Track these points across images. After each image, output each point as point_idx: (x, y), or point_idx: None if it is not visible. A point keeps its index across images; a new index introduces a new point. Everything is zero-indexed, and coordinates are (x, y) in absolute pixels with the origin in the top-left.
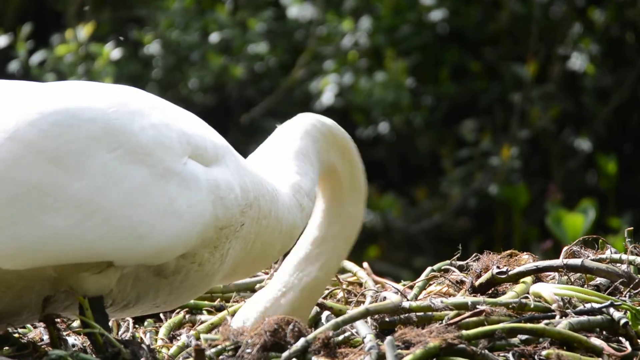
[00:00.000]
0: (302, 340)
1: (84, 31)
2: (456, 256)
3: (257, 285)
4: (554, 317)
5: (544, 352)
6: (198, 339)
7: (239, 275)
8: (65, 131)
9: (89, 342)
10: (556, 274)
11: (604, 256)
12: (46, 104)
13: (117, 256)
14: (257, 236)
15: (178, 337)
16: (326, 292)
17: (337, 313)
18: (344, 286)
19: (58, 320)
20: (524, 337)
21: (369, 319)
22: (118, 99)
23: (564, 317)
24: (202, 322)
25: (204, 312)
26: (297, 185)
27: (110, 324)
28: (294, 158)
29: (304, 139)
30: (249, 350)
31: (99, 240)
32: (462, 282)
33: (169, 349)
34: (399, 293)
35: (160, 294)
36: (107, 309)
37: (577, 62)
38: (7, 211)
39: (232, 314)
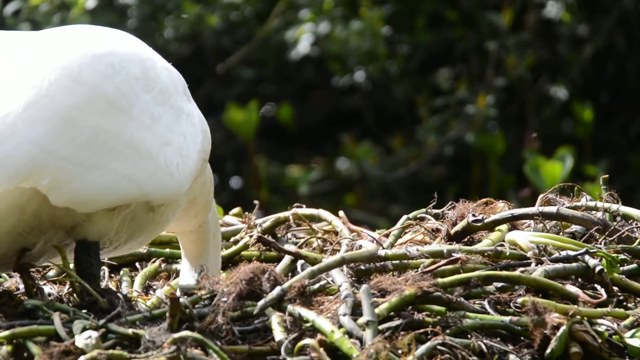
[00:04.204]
0: (277, 289)
1: None
2: (432, 204)
3: (232, 238)
4: (529, 264)
5: (519, 300)
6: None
7: (192, 213)
8: (118, 71)
9: (65, 292)
10: (532, 221)
11: (579, 204)
12: (93, 46)
13: (156, 195)
14: (203, 186)
15: (154, 287)
16: (301, 240)
17: (313, 262)
18: (320, 235)
19: (32, 270)
20: (499, 284)
21: (344, 267)
22: (134, 40)
23: (539, 265)
24: (177, 272)
25: (180, 261)
26: None
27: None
28: None
29: None
30: (224, 299)
31: (148, 180)
32: (437, 230)
33: (145, 301)
34: (375, 241)
35: (145, 231)
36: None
37: (553, 10)
38: (81, 156)
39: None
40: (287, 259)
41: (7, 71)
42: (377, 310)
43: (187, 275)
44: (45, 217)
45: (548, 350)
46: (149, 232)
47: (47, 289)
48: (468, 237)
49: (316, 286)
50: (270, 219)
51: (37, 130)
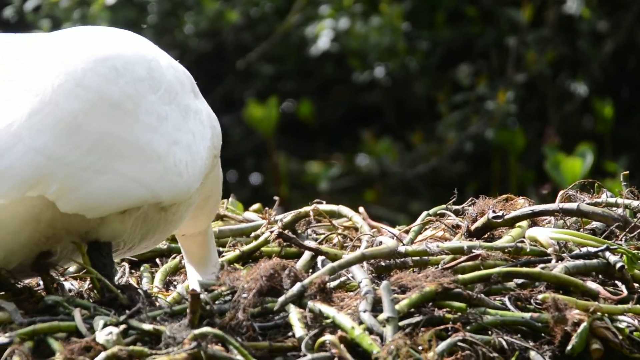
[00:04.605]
0: (298, 285)
1: None
2: (452, 200)
3: (253, 233)
4: (549, 261)
5: (540, 296)
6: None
7: (198, 221)
8: (121, 74)
9: (85, 287)
10: (552, 218)
11: (600, 200)
12: (95, 50)
13: (166, 196)
14: (216, 182)
15: (174, 283)
16: (322, 236)
17: (333, 258)
18: (340, 231)
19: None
20: (520, 281)
21: (364, 263)
22: (139, 39)
23: (560, 261)
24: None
25: None
26: None
27: None
28: None
29: None
30: (245, 295)
31: (157, 182)
32: (458, 227)
33: (165, 297)
34: (395, 237)
35: (157, 231)
36: (114, 253)
37: (573, 6)
38: (88, 161)
39: (228, 262)
40: (307, 255)
41: (8, 76)
42: (397, 307)
43: (194, 279)
44: (60, 226)
45: (569, 347)
46: (163, 232)
47: (68, 285)
48: (488, 233)
49: (336, 282)
50: (290, 215)
51: (43, 138)
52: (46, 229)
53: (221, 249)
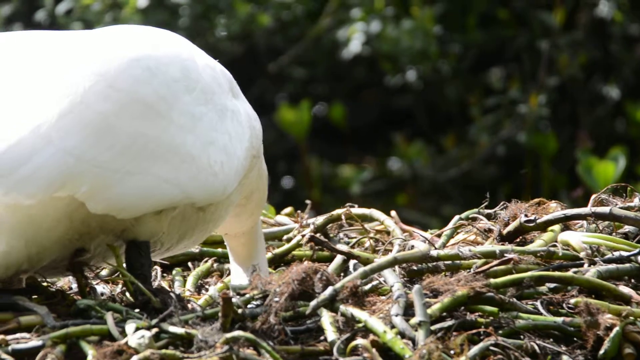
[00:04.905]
0: (330, 289)
1: None
2: (484, 204)
3: (285, 237)
4: (582, 265)
5: (572, 300)
6: (227, 289)
7: (240, 220)
8: (155, 74)
9: (118, 291)
10: (584, 222)
11: (632, 204)
12: (129, 50)
13: (199, 197)
14: (258, 181)
15: (206, 286)
16: (353, 240)
17: (365, 262)
18: (372, 235)
19: (86, 269)
20: (552, 285)
21: (396, 267)
22: (175, 38)
23: (592, 265)
24: (230, 271)
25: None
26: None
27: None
28: None
29: None
30: (277, 299)
31: (191, 182)
32: (490, 231)
33: (197, 301)
34: (427, 241)
35: (196, 230)
36: (152, 253)
37: (605, 9)
38: (120, 162)
39: None
40: (339, 258)
41: (40, 75)
42: (429, 311)
43: (240, 278)
44: (94, 224)
45: (601, 352)
46: (201, 232)
47: (100, 288)
48: (520, 237)
49: (368, 286)
50: (322, 219)
51: (72, 139)
52: (79, 227)
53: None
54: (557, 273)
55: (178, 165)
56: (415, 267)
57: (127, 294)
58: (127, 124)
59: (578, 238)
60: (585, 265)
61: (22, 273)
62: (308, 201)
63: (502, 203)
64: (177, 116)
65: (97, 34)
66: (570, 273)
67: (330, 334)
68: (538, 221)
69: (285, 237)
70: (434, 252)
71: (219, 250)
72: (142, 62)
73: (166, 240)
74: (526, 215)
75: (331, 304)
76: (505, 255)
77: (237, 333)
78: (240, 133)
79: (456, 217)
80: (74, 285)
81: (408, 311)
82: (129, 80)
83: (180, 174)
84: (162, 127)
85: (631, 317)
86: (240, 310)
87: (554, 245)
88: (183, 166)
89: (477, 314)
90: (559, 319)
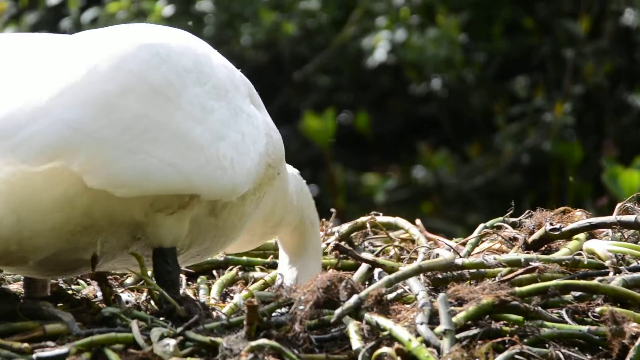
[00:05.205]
0: (355, 297)
1: None
2: (509, 213)
3: None
4: (607, 273)
5: (597, 309)
6: (251, 297)
7: (254, 238)
8: (164, 60)
9: (143, 299)
10: (609, 230)
11: None
12: (140, 37)
13: (205, 189)
14: (279, 199)
15: (231, 294)
16: (378, 248)
17: (390, 270)
18: (397, 243)
19: (109, 277)
20: (577, 293)
21: (421, 275)
22: (190, 36)
23: (617, 274)
24: (255, 280)
25: (257, 269)
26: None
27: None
28: None
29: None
30: (301, 307)
31: (195, 172)
32: (514, 239)
33: (222, 309)
34: (452, 250)
35: (208, 236)
36: None
37: (630, 17)
38: (121, 139)
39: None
40: (364, 267)
41: (49, 54)
42: (454, 319)
43: (285, 269)
44: (99, 215)
45: None
46: (213, 239)
47: (125, 296)
48: (545, 245)
49: (393, 294)
50: (347, 227)
51: (72, 113)
52: (82, 217)
53: (277, 261)
54: (582, 281)
55: (184, 152)
56: (440, 276)
57: (152, 302)
58: (132, 104)
59: (603, 246)
60: (611, 274)
61: (10, 257)
62: (333, 209)
63: (527, 211)
64: (186, 104)
65: (115, 28)
66: (595, 281)
67: (355, 342)
68: (563, 229)
69: None
70: (458, 261)
71: (244, 258)
72: (151, 48)
73: (178, 246)
74: (551, 224)
75: (356, 312)
76: (530, 263)
77: (262, 341)
78: (255, 135)
79: (481, 226)
80: (99, 294)
81: (433, 319)
82: (136, 62)
83: (185, 161)
84: (168, 112)
85: None
86: (265, 318)
87: (579, 254)
88: (189, 154)
89: (502, 322)
90: (584, 328)
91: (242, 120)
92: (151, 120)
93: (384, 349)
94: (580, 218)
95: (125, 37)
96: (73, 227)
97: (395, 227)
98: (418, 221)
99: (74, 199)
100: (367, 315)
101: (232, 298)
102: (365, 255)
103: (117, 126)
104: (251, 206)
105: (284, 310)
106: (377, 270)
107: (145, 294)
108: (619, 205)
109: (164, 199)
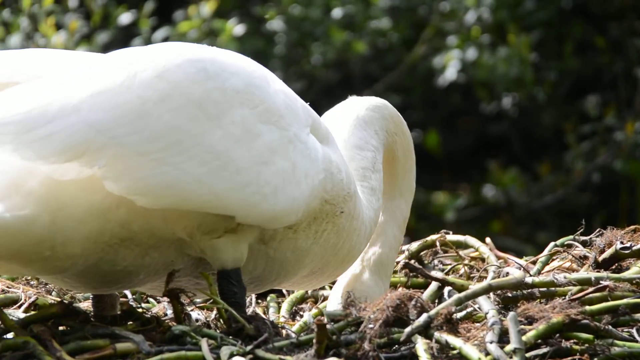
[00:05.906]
0: (424, 316)
1: (207, 7)
2: (579, 231)
3: None
4: None
5: None
6: (321, 315)
7: (325, 275)
8: (211, 78)
9: (212, 317)
10: None
11: None
12: (192, 53)
13: (239, 212)
14: (348, 235)
15: (301, 312)
16: (448, 267)
17: (460, 288)
18: (467, 262)
19: (181, 295)
20: None
21: (491, 294)
22: (251, 61)
23: None
24: (324, 298)
25: (327, 287)
26: (369, 187)
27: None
28: (362, 145)
29: (374, 119)
30: (371, 326)
31: (228, 192)
32: (585, 258)
33: (291, 327)
34: (522, 268)
35: (258, 265)
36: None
37: None
38: (148, 148)
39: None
40: (434, 285)
41: (92, 65)
42: (524, 338)
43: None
44: (137, 229)
45: None
46: (265, 268)
47: (195, 314)
48: (616, 264)
49: (463, 313)
50: (416, 245)
51: (99, 115)
52: (119, 229)
53: None
54: None
55: (216, 171)
56: (510, 294)
57: (222, 321)
58: (164, 115)
59: None
60: None
61: (46, 264)
62: None
63: (597, 230)
64: (228, 124)
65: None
66: None
67: None
68: (634, 248)
69: None
70: (528, 279)
71: None
72: (199, 63)
73: None
74: (622, 243)
75: (425, 331)
76: (601, 282)
77: (332, 359)
78: (308, 168)
79: (551, 244)
80: (169, 312)
81: (503, 338)
82: (179, 75)
83: (216, 179)
84: (206, 129)
85: None
86: (334, 337)
87: None
88: (222, 173)
89: (572, 341)
90: None
91: (297, 149)
92: (184, 134)
93: None
94: None
95: (175, 51)
96: (109, 238)
97: (465, 246)
98: (488, 239)
99: (108, 211)
100: (436, 334)
101: (301, 316)
102: (435, 273)
103: (144, 134)
104: (307, 241)
105: (353, 328)
106: (446, 289)
107: (215, 312)
108: None
109: (209, 221)
